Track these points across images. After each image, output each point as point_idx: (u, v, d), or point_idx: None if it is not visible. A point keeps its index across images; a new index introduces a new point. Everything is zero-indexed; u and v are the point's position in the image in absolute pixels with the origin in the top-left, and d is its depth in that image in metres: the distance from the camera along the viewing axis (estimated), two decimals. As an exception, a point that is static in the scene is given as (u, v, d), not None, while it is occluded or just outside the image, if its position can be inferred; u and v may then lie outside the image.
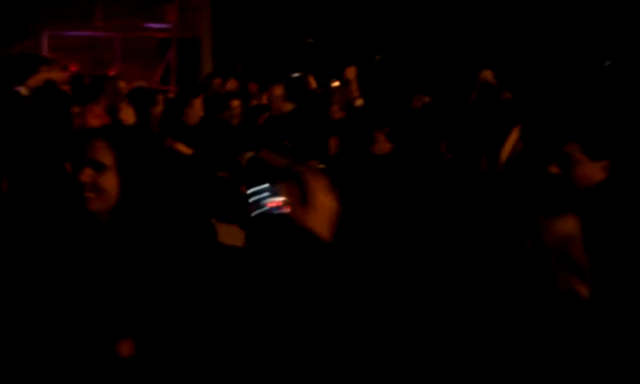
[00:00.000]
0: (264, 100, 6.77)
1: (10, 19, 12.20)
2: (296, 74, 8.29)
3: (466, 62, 8.06)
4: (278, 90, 5.82)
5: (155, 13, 10.95)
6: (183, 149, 5.25)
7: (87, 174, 2.08)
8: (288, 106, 5.72)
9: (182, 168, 4.57)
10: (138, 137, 2.27)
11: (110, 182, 2.10)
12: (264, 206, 2.06)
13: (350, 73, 5.23)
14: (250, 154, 4.49)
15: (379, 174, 3.83)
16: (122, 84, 6.13)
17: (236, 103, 6.30)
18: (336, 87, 6.34)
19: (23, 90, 4.79)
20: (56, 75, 5.09)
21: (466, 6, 9.15)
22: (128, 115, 5.20)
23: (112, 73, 8.87)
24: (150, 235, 2.09)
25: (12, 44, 11.95)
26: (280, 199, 2.02)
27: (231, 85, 7.19)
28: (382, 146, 4.40)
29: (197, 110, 5.66)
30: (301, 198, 1.96)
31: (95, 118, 5.05)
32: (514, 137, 3.84)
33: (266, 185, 2.07)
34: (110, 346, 1.89)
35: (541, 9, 8.94)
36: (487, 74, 5.51)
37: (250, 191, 2.09)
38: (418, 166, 3.97)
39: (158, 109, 5.71)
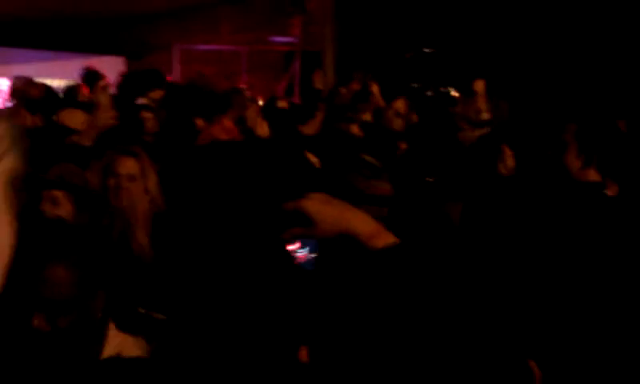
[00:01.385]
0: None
1: (142, 34, 12.88)
2: (415, 85, 8.18)
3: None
4: (400, 104, 5.81)
5: (280, 26, 11.20)
6: (314, 159, 5.30)
7: None
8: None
9: (314, 178, 4.59)
10: (275, 149, 2.30)
11: None
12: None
13: (479, 86, 5.09)
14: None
15: (508, 193, 3.69)
16: (249, 96, 6.31)
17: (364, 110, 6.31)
18: (458, 98, 6.22)
19: (146, 102, 4.99)
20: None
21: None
22: (263, 129, 5.32)
23: (239, 85, 9.13)
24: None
25: (143, 57, 12.61)
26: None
27: (356, 86, 7.18)
28: (509, 162, 4.27)
29: (318, 121, 5.74)
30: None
31: (224, 130, 5.20)
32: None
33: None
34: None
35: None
36: None
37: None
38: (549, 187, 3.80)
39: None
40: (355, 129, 6.21)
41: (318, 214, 1.28)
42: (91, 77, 7.07)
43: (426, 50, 10.03)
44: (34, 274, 1.76)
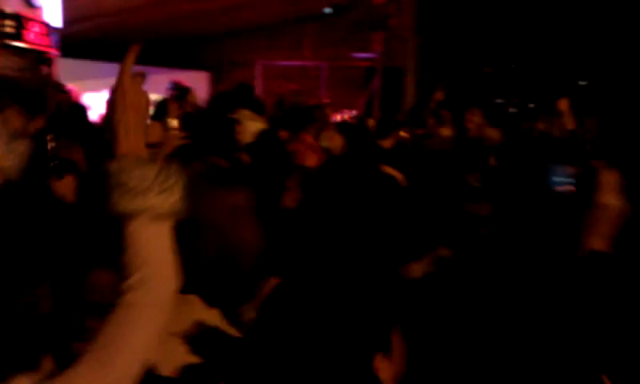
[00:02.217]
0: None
1: (226, 50, 13.21)
2: (498, 100, 8.06)
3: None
4: (477, 116, 5.74)
5: (361, 43, 11.27)
6: (396, 174, 5.29)
7: None
8: (493, 133, 5.62)
9: (398, 193, 4.57)
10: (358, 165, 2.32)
11: None
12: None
13: (563, 104, 5.03)
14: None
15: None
16: (330, 112, 6.38)
17: (447, 131, 6.27)
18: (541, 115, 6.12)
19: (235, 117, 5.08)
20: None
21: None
22: (336, 142, 5.35)
23: (321, 101, 9.22)
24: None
25: (227, 73, 12.93)
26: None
27: (439, 96, 7.12)
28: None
29: (396, 137, 5.76)
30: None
31: (305, 145, 5.27)
32: None
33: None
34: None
35: None
36: None
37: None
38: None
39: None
40: (435, 144, 6.18)
41: None
42: (179, 91, 7.28)
43: (510, 65, 9.89)
44: (80, 279, 1.85)
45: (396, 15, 9.35)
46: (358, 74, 11.30)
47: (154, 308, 1.40)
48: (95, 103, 8.65)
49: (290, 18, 12.81)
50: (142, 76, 1.58)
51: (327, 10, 9.63)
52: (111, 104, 1.51)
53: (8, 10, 8.42)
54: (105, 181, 1.45)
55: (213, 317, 2.03)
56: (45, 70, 9.24)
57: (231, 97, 6.26)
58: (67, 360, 1.39)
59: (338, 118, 7.73)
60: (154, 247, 1.44)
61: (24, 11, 8.97)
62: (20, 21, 8.74)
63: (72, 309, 1.82)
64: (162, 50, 13.16)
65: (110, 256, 1.71)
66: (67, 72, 10.94)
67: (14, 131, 1.98)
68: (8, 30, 8.40)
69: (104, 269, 1.82)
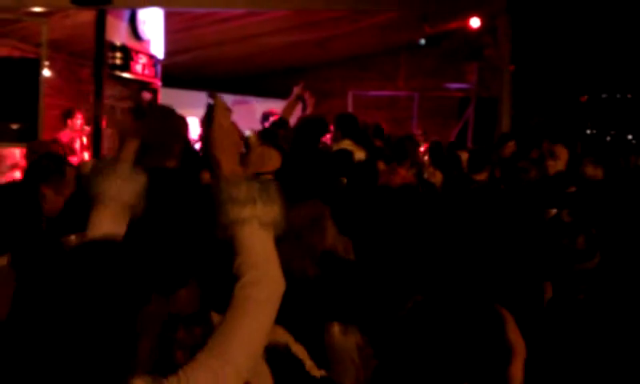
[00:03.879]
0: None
1: (318, 80, 13.43)
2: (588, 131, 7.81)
3: None
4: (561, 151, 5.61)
5: (455, 73, 11.22)
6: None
7: None
8: (594, 171, 5.45)
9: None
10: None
11: None
12: None
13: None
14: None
15: None
16: (422, 142, 6.37)
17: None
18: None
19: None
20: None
21: None
22: (437, 178, 5.36)
23: (413, 131, 9.23)
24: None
25: (319, 103, 13.09)
26: None
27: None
28: None
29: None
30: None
31: (399, 177, 5.29)
32: None
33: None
34: None
35: None
36: None
37: None
38: None
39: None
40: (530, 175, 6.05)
41: None
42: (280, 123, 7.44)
43: (603, 95, 9.63)
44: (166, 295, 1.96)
45: (491, 45, 9.27)
46: (450, 104, 11.25)
47: (267, 304, 1.56)
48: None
49: (381, 49, 12.90)
50: (230, 110, 1.83)
51: (422, 42, 9.66)
52: (209, 135, 1.76)
53: (117, 42, 8.89)
54: (215, 197, 1.67)
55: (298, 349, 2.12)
56: (148, 97, 9.66)
57: (316, 125, 6.35)
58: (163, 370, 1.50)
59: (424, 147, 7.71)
60: (263, 250, 1.63)
61: (132, 44, 9.45)
62: (128, 53, 9.22)
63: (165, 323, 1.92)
64: (255, 81, 13.50)
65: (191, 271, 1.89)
66: (166, 100, 11.42)
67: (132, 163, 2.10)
68: (117, 61, 8.87)
69: (187, 283, 1.94)
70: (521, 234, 2.98)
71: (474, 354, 1.37)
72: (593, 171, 5.37)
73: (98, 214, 2.00)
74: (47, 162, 3.51)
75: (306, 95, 5.60)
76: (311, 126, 6.29)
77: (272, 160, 4.90)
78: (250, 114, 11.87)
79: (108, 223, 1.98)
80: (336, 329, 2.28)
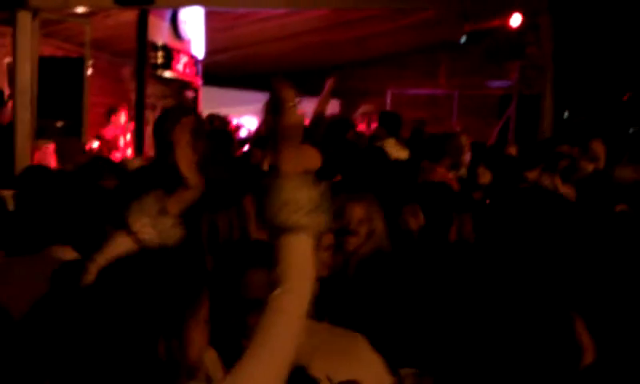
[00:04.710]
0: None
1: (357, 78, 13.42)
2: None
3: None
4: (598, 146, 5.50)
5: (496, 71, 11.08)
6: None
7: None
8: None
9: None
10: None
11: None
12: None
13: None
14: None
15: None
16: (464, 140, 6.27)
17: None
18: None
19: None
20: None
21: None
22: (485, 177, 5.29)
23: (452, 129, 9.14)
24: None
25: (357, 101, 13.10)
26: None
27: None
28: None
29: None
30: None
31: (438, 175, 5.24)
32: None
33: None
34: None
35: None
36: None
37: None
38: None
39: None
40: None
41: None
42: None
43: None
44: (236, 278, 1.97)
45: (533, 43, 9.14)
46: (491, 102, 11.11)
47: (298, 317, 1.52)
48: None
49: (420, 47, 12.81)
50: (298, 102, 1.68)
51: (463, 39, 9.55)
52: (274, 125, 1.64)
53: (159, 42, 9.01)
54: (271, 193, 1.57)
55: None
56: (190, 96, 9.78)
57: (341, 125, 6.33)
58: (234, 355, 1.52)
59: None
60: (305, 261, 1.56)
61: (173, 43, 9.57)
62: (170, 52, 9.33)
63: (234, 308, 1.92)
64: (292, 79, 13.52)
65: (263, 256, 1.81)
66: (206, 99, 11.55)
67: (162, 208, 2.02)
68: (159, 61, 8.99)
69: (258, 268, 1.91)
70: (597, 231, 2.87)
71: (547, 353, 1.35)
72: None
73: (117, 238, 1.93)
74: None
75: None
76: (337, 125, 6.27)
77: (313, 158, 4.90)
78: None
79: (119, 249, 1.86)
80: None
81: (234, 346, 1.78)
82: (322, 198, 1.59)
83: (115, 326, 1.42)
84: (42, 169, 3.87)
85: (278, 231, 1.56)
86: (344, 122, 6.35)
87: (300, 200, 1.56)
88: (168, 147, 2.38)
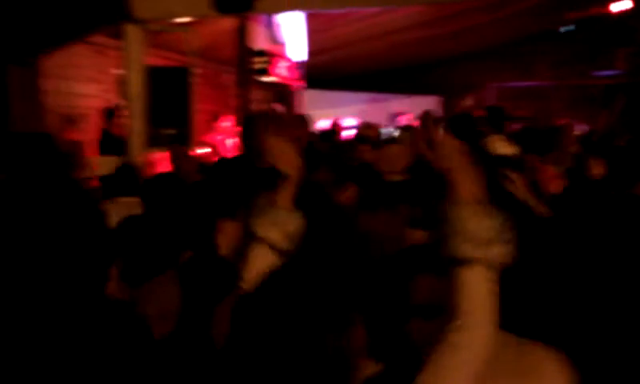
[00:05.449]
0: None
1: (458, 74, 13.23)
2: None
3: None
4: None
5: (602, 59, 10.67)
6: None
7: None
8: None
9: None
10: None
11: None
12: None
13: None
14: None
15: None
16: (573, 132, 6.07)
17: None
18: None
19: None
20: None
21: None
22: (598, 169, 5.10)
23: (558, 122, 8.85)
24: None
25: (458, 96, 12.92)
26: None
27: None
28: None
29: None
30: None
31: (547, 174, 5.08)
32: None
33: None
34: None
35: None
36: None
37: None
38: None
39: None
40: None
41: None
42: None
43: None
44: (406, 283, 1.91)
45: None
46: (597, 93, 10.70)
47: (473, 354, 1.45)
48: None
49: (521, 39, 12.48)
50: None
51: (564, 29, 9.23)
52: (435, 151, 1.58)
53: (258, 47, 9.16)
54: (443, 221, 1.50)
55: None
56: (280, 110, 9.91)
57: (466, 121, 6.23)
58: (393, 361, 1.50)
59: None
60: (481, 295, 1.47)
61: (272, 48, 9.72)
62: (269, 57, 9.49)
63: (398, 312, 1.91)
64: (390, 77, 13.48)
65: (432, 261, 1.74)
66: (308, 101, 11.71)
67: (274, 204, 2.03)
68: (258, 66, 9.15)
69: (426, 273, 1.89)
70: None
71: None
72: None
73: (253, 251, 1.91)
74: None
75: None
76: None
77: (402, 158, 4.90)
78: (385, 112, 11.91)
79: (260, 262, 1.86)
80: None
81: (394, 351, 1.77)
82: (501, 228, 1.48)
83: (292, 330, 1.40)
84: (173, 176, 4.02)
85: (452, 262, 1.49)
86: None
87: (476, 231, 1.47)
88: (257, 150, 2.41)
